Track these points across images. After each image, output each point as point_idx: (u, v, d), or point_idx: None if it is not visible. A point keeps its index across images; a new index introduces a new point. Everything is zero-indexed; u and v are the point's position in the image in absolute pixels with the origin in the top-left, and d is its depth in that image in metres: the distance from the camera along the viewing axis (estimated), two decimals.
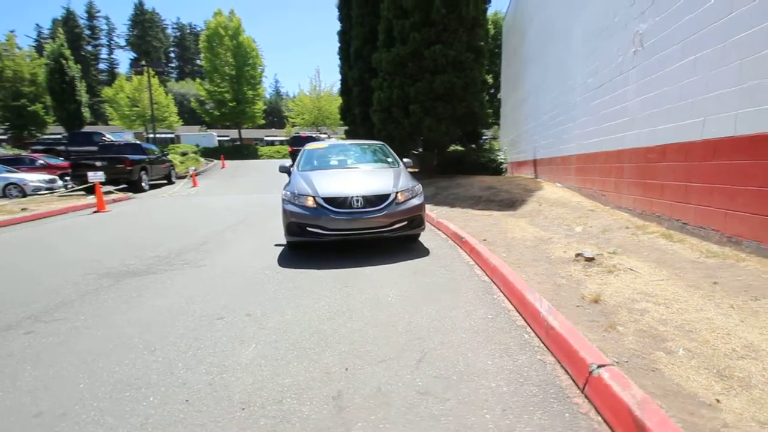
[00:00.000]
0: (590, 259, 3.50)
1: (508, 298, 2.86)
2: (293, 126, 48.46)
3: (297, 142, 22.26)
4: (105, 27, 64.92)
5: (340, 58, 20.65)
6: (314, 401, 1.75)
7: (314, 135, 23.27)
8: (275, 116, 63.51)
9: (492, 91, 22.47)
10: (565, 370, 1.88)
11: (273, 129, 57.22)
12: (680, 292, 2.63)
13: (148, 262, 4.38)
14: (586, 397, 1.68)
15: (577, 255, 3.63)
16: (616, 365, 1.71)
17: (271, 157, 35.62)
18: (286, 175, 5.53)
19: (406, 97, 12.67)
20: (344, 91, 20.56)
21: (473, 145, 15.36)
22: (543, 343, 2.16)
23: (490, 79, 13.35)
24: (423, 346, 2.22)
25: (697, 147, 3.73)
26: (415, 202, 4.45)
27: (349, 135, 21.04)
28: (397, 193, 4.36)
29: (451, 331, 2.40)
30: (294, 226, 4.30)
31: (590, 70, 6.54)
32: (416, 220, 4.45)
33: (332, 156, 5.74)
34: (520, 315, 2.56)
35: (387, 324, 2.54)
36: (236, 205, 9.27)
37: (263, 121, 41.57)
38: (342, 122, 23.25)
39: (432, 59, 12.16)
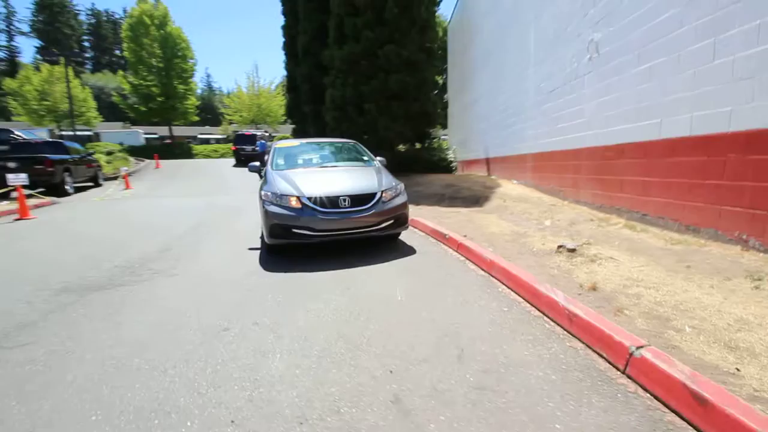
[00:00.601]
0: (572, 251, 3.76)
1: (514, 291, 2.98)
2: (230, 124, 46.16)
3: (241, 141, 21.26)
4: (2, 10, 56.66)
5: (285, 54, 20.01)
6: (374, 407, 1.69)
7: (259, 133, 22.32)
8: (209, 113, 59.84)
9: (436, 92, 23.24)
10: (599, 354, 2.01)
11: (207, 126, 53.90)
12: (663, 277, 2.93)
13: (109, 274, 3.93)
14: (628, 377, 1.81)
15: (560, 247, 3.87)
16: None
17: (207, 156, 33.64)
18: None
19: (360, 95, 12.64)
20: (291, 87, 19.98)
21: (424, 145, 15.74)
22: (567, 330, 2.29)
23: (440, 80, 13.74)
24: (456, 342, 2.24)
25: (655, 146, 4.16)
26: (400, 200, 4.47)
27: (297, 134, 20.50)
28: (382, 191, 4.35)
29: (474, 325, 2.45)
30: (278, 228, 4.10)
31: (544, 75, 7.01)
32: (401, 218, 4.47)
33: (306, 154, 5.56)
34: (533, 305, 2.68)
35: (409, 323, 2.53)
36: (188, 209, 8.61)
37: (197, 118, 39.12)
38: (289, 120, 22.59)
39: (386, 58, 12.25)
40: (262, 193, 4.36)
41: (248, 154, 20.83)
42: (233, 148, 21.08)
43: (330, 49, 13.91)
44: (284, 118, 48.81)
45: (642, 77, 4.33)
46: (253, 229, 5.88)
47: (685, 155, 3.75)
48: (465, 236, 4.59)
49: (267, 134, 28.89)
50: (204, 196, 10.92)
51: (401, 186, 4.68)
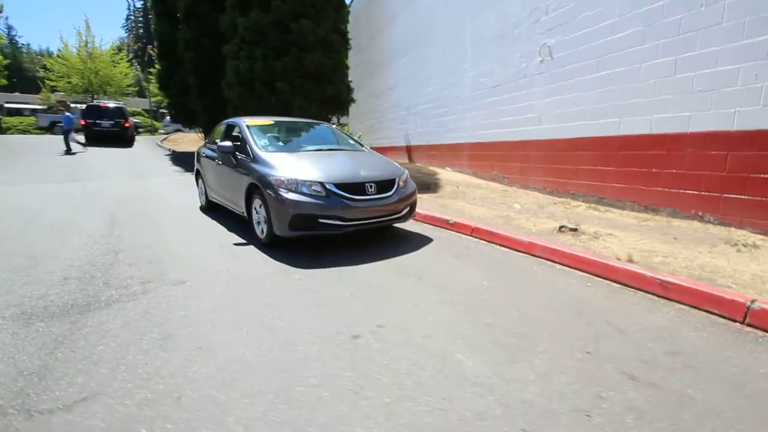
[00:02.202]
0: (574, 230, 4.32)
1: (575, 268, 3.31)
2: (54, 91, 37.24)
3: (94, 114, 17.14)
4: None
5: (155, 14, 16.77)
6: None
7: (121, 105, 18.42)
8: (16, 76, 46.23)
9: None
10: (709, 312, 2.45)
11: (17, 93, 41.78)
12: (665, 247, 3.65)
13: (72, 292, 2.93)
14: (749, 325, 2.27)
15: (561, 227, 4.41)
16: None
17: (25, 131, 26.51)
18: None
19: (271, 71, 11.64)
20: (164, 54, 16.92)
21: None
22: (662, 296, 2.69)
23: (349, 63, 13.55)
24: (594, 330, 2.41)
25: (613, 140, 5.04)
26: (411, 186, 4.42)
27: (177, 109, 17.62)
28: (399, 177, 4.22)
29: (590, 305, 2.66)
30: (301, 219, 3.63)
31: (484, 71, 7.65)
32: (414, 204, 4.42)
33: (291, 135, 4.98)
34: (607, 279, 3.05)
35: (531, 316, 2.60)
36: (67, 197, 6.78)
37: (4, 81, 30.30)
38: (162, 92, 19.07)
39: (300, 34, 11.53)
40: (272, 177, 3.77)
41: (105, 130, 17.08)
42: (82, 122, 16.90)
43: (229, 15, 12.46)
44: (132, 89, 41.28)
45: (601, 82, 5.16)
46: (198, 219, 5.06)
47: (644, 149, 4.66)
48: (454, 222, 4.80)
49: (71, 105, 23.34)
50: (72, 182, 8.67)
51: (407, 172, 4.61)
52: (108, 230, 4.75)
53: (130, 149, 16.71)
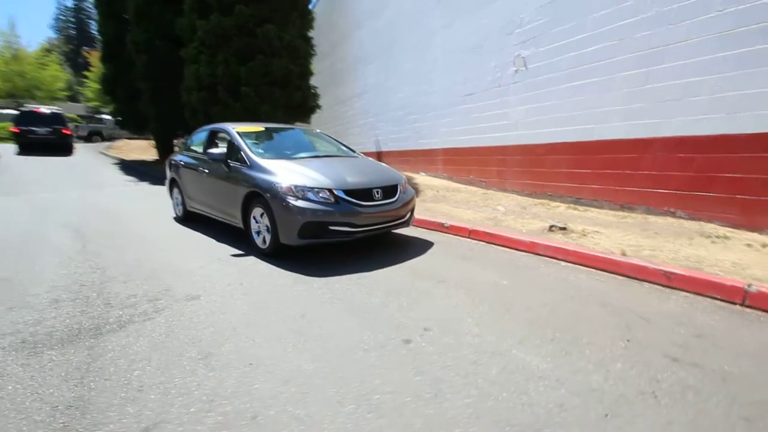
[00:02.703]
0: (563, 229, 4.59)
1: (578, 264, 3.52)
2: None
3: (29, 120, 15.51)
4: None
5: (100, 14, 15.59)
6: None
7: (59, 111, 16.86)
8: None
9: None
10: (710, 297, 2.72)
11: None
12: (649, 242, 3.98)
13: (71, 315, 2.69)
14: (748, 307, 2.55)
15: (552, 226, 4.66)
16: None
17: None
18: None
19: (235, 76, 11.28)
20: (109, 56, 15.72)
21: None
22: (666, 286, 2.94)
23: (313, 70, 13.44)
24: (624, 320, 2.59)
25: (589, 145, 5.43)
26: (411, 191, 4.48)
27: (125, 115, 16.43)
28: (401, 183, 4.27)
29: (609, 298, 2.84)
30: (312, 227, 3.56)
31: (457, 79, 7.93)
32: (413, 209, 4.48)
33: (284, 142, 4.85)
34: (611, 273, 3.27)
35: (562, 311, 2.74)
36: (14, 215, 6.13)
37: None
38: (104, 97, 17.62)
39: (265, 39, 11.31)
40: (275, 185, 3.66)
41: (41, 138, 15.57)
42: (15, 129, 15.27)
43: (188, 17, 11.95)
44: (64, 93, 37.94)
45: (576, 91, 5.55)
46: (179, 231, 4.83)
47: (619, 153, 5.07)
48: (450, 225, 4.94)
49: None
50: (10, 195, 7.82)
51: (405, 177, 4.67)
52: (80, 246, 4.37)
53: (70, 158, 15.35)
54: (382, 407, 1.66)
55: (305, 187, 3.64)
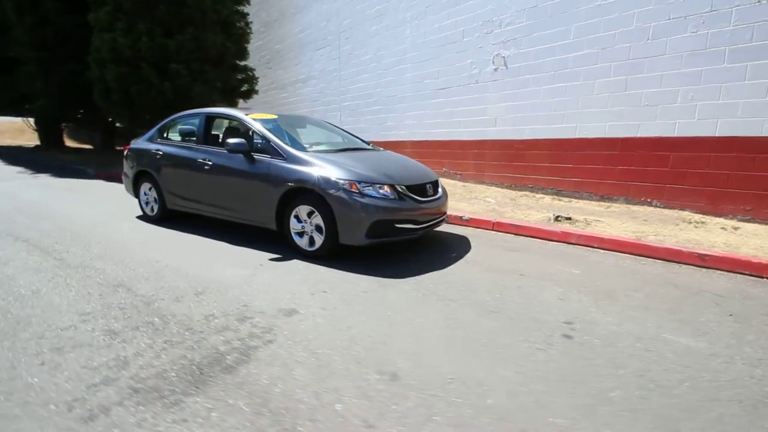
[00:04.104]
0: (569, 219, 5.07)
1: (609, 250, 3.95)
2: None
3: None
4: None
5: None
6: None
7: None
8: None
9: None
10: (740, 273, 3.30)
11: None
12: (646, 228, 4.62)
13: (161, 348, 2.24)
14: None
15: (558, 216, 5.10)
16: None
17: None
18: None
19: (162, 51, 9.86)
20: None
21: None
22: (700, 266, 3.48)
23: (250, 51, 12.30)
24: (707, 299, 3.00)
25: (571, 142, 6.03)
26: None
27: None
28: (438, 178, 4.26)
29: (674, 279, 3.26)
30: (380, 225, 3.38)
31: (428, 73, 8.05)
32: None
33: (305, 132, 4.41)
34: (651, 257, 3.74)
35: (652, 294, 3.06)
36: None
37: None
38: None
39: (199, 9, 10.08)
40: (341, 182, 3.37)
41: None
42: None
43: None
44: None
45: (558, 92, 6.09)
46: (169, 235, 4.20)
47: (599, 150, 5.73)
48: (469, 218, 5.11)
49: None
50: None
51: None
52: (55, 260, 3.49)
53: None
54: (621, 405, 1.71)
55: (369, 182, 3.41)
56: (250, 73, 12.19)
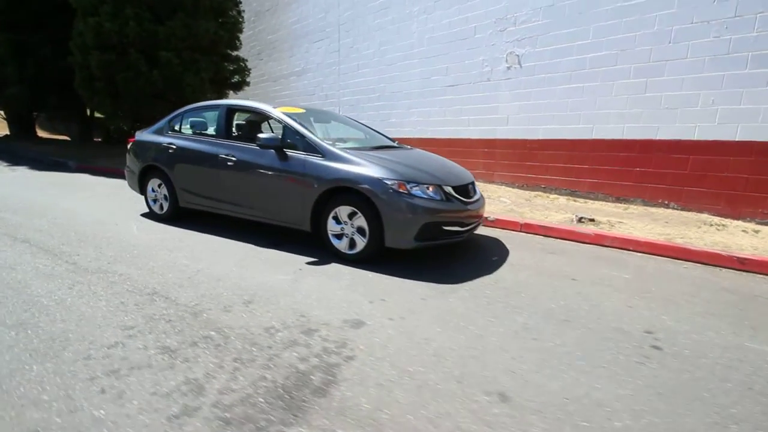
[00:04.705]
0: (592, 220, 5.06)
1: (646, 252, 3.94)
2: None
3: None
4: None
5: None
6: None
7: None
8: None
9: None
10: None
11: None
12: (671, 230, 4.65)
13: (232, 365, 2.00)
14: None
15: (581, 218, 5.08)
16: None
17: None
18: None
19: (152, 37, 9.33)
20: None
21: None
22: (739, 269, 3.50)
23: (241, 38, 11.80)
24: (761, 302, 3.00)
25: (587, 143, 6.03)
26: None
27: None
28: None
29: (722, 283, 3.26)
30: (431, 228, 3.24)
31: (437, 69, 7.91)
32: None
33: (334, 128, 4.19)
34: (690, 261, 3.74)
35: (711, 299, 3.04)
36: None
37: None
38: None
39: None
40: (389, 182, 3.19)
41: None
42: None
43: None
44: None
45: (575, 93, 6.08)
46: (187, 236, 3.97)
47: (616, 151, 5.76)
48: (495, 219, 5.02)
49: None
50: None
51: None
52: (69, 264, 3.18)
53: None
54: (759, 422, 1.64)
55: (417, 182, 3.25)
56: (243, 64, 11.74)
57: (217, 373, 1.86)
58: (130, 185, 5.03)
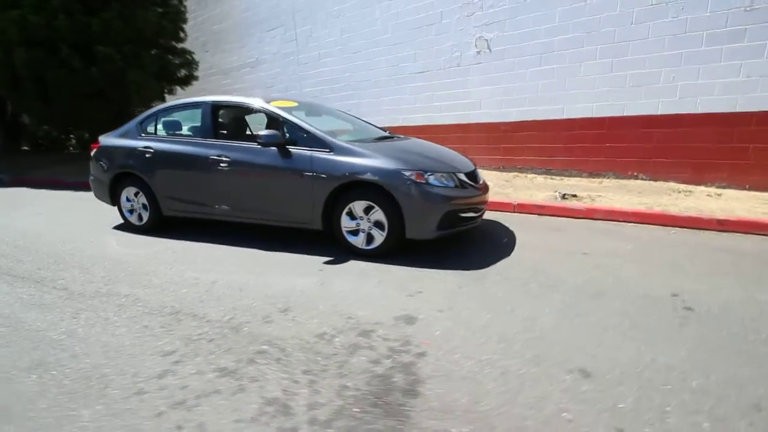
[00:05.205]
0: (575, 196, 5.33)
1: (642, 223, 4.22)
2: None
3: None
4: None
5: None
6: None
7: None
8: None
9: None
10: (756, 234, 3.73)
11: None
12: (648, 200, 5.01)
13: (305, 376, 1.91)
14: None
15: (564, 195, 5.33)
16: None
17: None
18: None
19: (85, 31, 8.47)
20: None
21: None
22: (718, 230, 3.85)
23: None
24: (763, 258, 3.32)
25: (559, 123, 6.31)
26: None
27: None
28: None
29: (715, 244, 3.56)
30: (451, 216, 3.24)
31: (404, 56, 7.86)
32: None
33: (328, 121, 4.01)
34: (675, 227, 4.06)
35: (721, 259, 3.31)
36: None
37: None
38: None
39: None
40: (406, 172, 3.14)
41: None
42: None
43: None
44: None
45: (545, 75, 6.31)
46: (180, 246, 3.77)
47: (587, 129, 6.08)
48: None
49: None
50: None
51: None
52: (62, 292, 2.87)
53: None
54: None
55: (432, 171, 3.22)
56: (189, 57, 10.97)
57: (294, 388, 1.74)
58: (98, 196, 4.54)
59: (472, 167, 3.72)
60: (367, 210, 3.28)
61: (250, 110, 3.87)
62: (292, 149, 3.44)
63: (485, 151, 7.21)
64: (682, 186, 5.39)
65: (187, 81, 11.07)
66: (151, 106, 12.23)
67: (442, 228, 3.21)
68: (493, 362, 1.90)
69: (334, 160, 3.30)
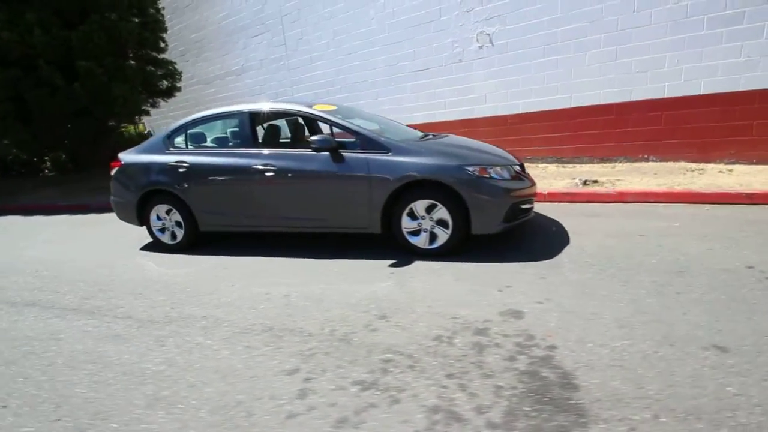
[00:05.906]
0: (595, 182, 5.47)
1: (671, 202, 4.38)
2: None
3: None
4: None
5: None
6: None
7: None
8: None
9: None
10: None
11: None
12: (665, 180, 5.20)
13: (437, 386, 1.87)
14: None
15: (585, 181, 5.48)
16: None
17: None
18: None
19: (64, 45, 8.05)
20: None
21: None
22: (750, 203, 4.05)
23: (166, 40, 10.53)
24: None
25: (567, 111, 6.47)
26: None
27: None
28: None
29: (755, 217, 3.74)
30: (514, 208, 3.26)
31: (403, 55, 7.86)
32: None
33: (369, 123, 3.95)
34: (706, 203, 4.23)
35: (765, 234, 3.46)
36: None
37: None
38: None
39: None
40: (470, 168, 3.13)
41: None
42: None
43: None
44: None
45: (549, 66, 6.45)
46: (225, 266, 3.71)
47: (595, 116, 6.26)
48: None
49: None
50: None
51: None
52: (129, 320, 2.73)
53: None
54: None
55: (493, 165, 3.23)
56: (172, 67, 10.57)
57: (448, 393, 1.70)
58: (121, 217, 4.30)
59: (519, 160, 3.76)
60: (429, 209, 3.25)
61: (293, 116, 3.76)
62: (345, 153, 3.36)
63: (493, 144, 7.28)
64: (693, 165, 5.64)
65: (170, 92, 10.67)
66: (136, 121, 11.70)
67: (507, 221, 3.22)
68: (627, 348, 1.92)
69: (393, 161, 3.25)
